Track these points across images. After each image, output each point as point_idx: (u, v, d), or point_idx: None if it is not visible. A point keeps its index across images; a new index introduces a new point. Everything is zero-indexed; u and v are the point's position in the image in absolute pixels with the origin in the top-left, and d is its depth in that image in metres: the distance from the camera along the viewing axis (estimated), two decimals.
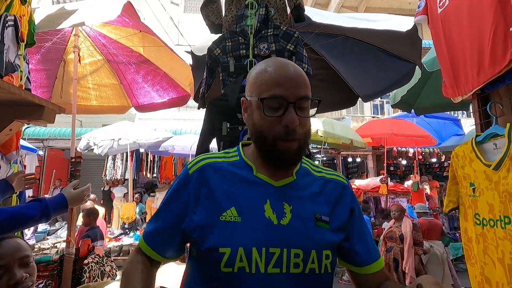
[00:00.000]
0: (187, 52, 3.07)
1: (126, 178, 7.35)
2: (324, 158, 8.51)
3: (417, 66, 2.94)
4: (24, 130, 7.48)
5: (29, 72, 1.66)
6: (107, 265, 2.63)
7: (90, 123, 8.56)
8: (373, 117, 9.47)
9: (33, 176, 1.20)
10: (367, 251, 0.70)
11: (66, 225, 5.95)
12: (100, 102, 3.63)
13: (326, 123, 5.96)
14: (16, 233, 1.19)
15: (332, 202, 0.69)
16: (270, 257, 0.60)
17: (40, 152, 7.67)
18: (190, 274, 0.68)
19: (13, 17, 1.33)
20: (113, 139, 5.76)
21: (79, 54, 2.77)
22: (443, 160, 8.73)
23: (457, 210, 1.48)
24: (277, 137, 0.63)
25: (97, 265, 2.55)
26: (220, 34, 1.69)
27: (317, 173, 0.73)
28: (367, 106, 9.99)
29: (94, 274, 2.51)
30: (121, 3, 1.96)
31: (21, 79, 1.46)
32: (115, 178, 7.56)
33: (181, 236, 0.67)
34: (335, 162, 8.75)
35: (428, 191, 7.41)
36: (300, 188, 0.68)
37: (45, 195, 6.89)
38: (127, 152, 6.51)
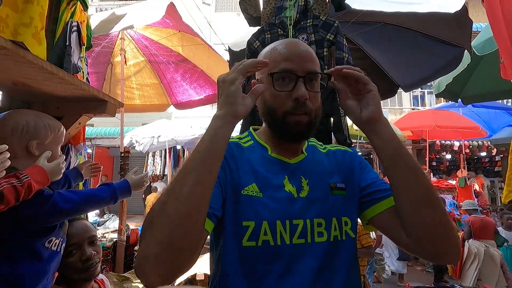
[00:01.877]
0: (220, 50, 3.16)
1: (165, 173, 7.74)
2: (360, 153, 8.24)
3: (465, 51, 2.74)
4: None
5: (88, 74, 1.83)
6: None
7: (131, 122, 9.11)
8: (412, 109, 8.95)
9: (98, 165, 1.34)
10: (379, 190, 0.68)
11: (113, 217, 6.41)
12: (142, 101, 3.87)
13: None
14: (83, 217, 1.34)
15: (343, 170, 0.72)
16: (294, 229, 0.62)
17: (89, 150, 8.34)
18: (215, 253, 0.66)
19: (76, 23, 1.48)
20: (153, 137, 6.10)
21: (125, 56, 2.97)
22: (494, 153, 8.01)
23: None
24: (287, 111, 0.64)
25: None
26: (259, 27, 1.73)
27: (323, 149, 0.77)
28: (406, 97, 9.46)
29: None
30: (164, 4, 2.08)
31: (83, 79, 1.62)
32: (155, 173, 7.99)
33: (219, 207, 0.62)
34: (371, 157, 8.43)
35: (477, 187, 6.86)
36: (312, 163, 0.71)
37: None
38: (165, 149, 6.85)
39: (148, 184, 1.23)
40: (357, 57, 3.36)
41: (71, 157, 1.38)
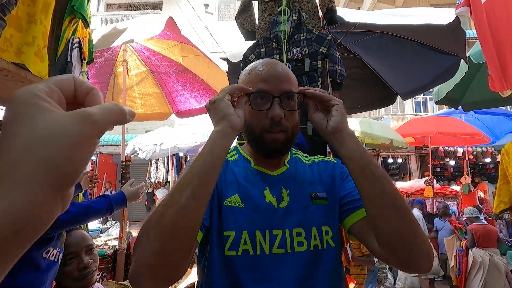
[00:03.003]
0: (222, 59, 3.23)
1: (167, 180, 7.78)
2: None
3: (461, 59, 2.76)
4: None
5: None
6: None
7: (134, 130, 9.23)
8: (415, 116, 8.93)
9: (97, 176, 1.38)
10: (357, 199, 0.68)
11: (116, 224, 6.45)
12: (145, 110, 3.94)
13: (364, 123, 5.77)
14: (82, 227, 1.38)
15: (325, 180, 0.74)
16: (274, 239, 0.64)
17: (93, 157, 8.44)
18: (201, 263, 0.68)
19: (78, 40, 1.54)
20: (156, 144, 6.17)
21: (127, 67, 3.05)
22: (498, 160, 7.95)
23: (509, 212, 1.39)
24: (264, 129, 0.67)
25: None
26: (254, 41, 1.78)
27: (307, 161, 0.80)
28: (408, 104, 9.45)
29: None
30: (164, 19, 2.14)
31: None
32: (158, 181, 8.04)
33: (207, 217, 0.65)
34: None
35: (481, 194, 6.78)
36: (294, 174, 0.74)
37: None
38: (168, 156, 6.91)
39: (144, 193, 1.27)
40: (355, 66, 3.40)
41: None
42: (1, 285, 0.68)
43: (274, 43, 1.66)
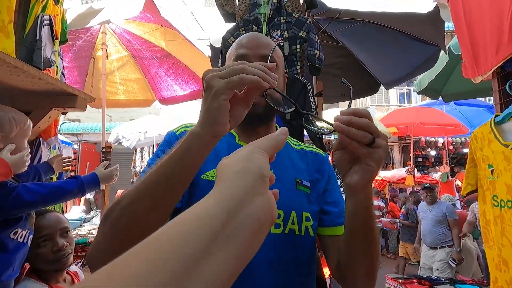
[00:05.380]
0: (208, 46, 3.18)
1: None
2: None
3: (441, 49, 2.82)
4: (61, 125, 8.06)
5: (63, 68, 1.82)
6: None
7: (119, 118, 9.02)
8: (399, 106, 9.12)
9: (70, 158, 1.35)
10: (337, 213, 0.70)
11: (99, 213, 6.37)
12: (127, 96, 3.84)
13: None
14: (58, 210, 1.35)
15: (312, 171, 0.72)
16: None
17: (75, 146, 8.23)
18: None
19: (48, 17, 1.47)
20: (140, 132, 6.06)
21: (106, 51, 2.95)
22: None
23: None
24: None
25: None
26: (234, 23, 1.75)
27: (296, 146, 0.77)
28: (393, 94, 9.62)
29: None
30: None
31: (56, 74, 1.62)
32: (142, 169, 7.93)
33: None
34: None
35: (459, 182, 7.06)
36: (280, 156, 0.70)
37: None
38: (153, 145, 6.81)
39: (117, 176, 1.25)
40: (340, 55, 3.42)
41: (42, 151, 1.38)
42: None
43: (254, 26, 1.64)
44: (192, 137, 0.47)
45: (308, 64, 1.64)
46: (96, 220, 6.50)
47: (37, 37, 1.35)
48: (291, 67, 1.58)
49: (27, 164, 1.00)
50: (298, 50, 1.61)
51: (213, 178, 0.63)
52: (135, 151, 7.89)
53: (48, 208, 1.24)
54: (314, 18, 2.96)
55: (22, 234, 1.02)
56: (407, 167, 6.79)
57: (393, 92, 9.54)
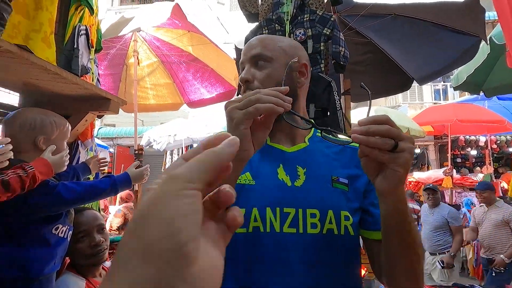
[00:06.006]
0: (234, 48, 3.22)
1: None
2: None
3: (482, 40, 2.61)
4: (98, 130, 8.59)
5: (99, 75, 1.93)
6: None
7: (150, 122, 9.43)
8: (434, 104, 8.59)
9: (105, 159, 1.43)
10: (378, 218, 0.66)
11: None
12: (157, 101, 4.00)
13: (379, 112, 5.62)
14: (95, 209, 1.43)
15: (350, 167, 0.68)
16: (285, 217, 0.61)
17: (111, 149, 8.73)
18: None
19: (84, 27, 1.57)
20: (170, 135, 6.29)
21: (138, 58, 3.09)
22: None
23: None
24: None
25: None
26: (257, 23, 1.75)
27: (333, 141, 0.75)
28: (427, 91, 9.08)
29: None
30: (170, 6, 2.15)
31: (92, 80, 1.72)
32: None
33: None
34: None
35: (505, 184, 6.48)
36: (313, 153, 0.69)
37: None
38: (182, 148, 7.02)
39: (148, 176, 1.30)
40: (368, 51, 3.30)
41: (80, 152, 1.48)
42: (14, 258, 0.72)
43: (276, 25, 1.63)
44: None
45: (332, 62, 1.59)
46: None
47: (75, 46, 1.45)
48: (315, 65, 1.55)
49: (66, 164, 1.07)
50: (322, 48, 1.58)
51: (245, 181, 0.65)
52: (165, 153, 8.20)
53: (85, 206, 1.33)
54: (340, 14, 2.89)
55: (63, 230, 1.09)
56: (445, 168, 6.37)
57: (427, 88, 9.01)
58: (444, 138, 7.27)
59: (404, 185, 0.52)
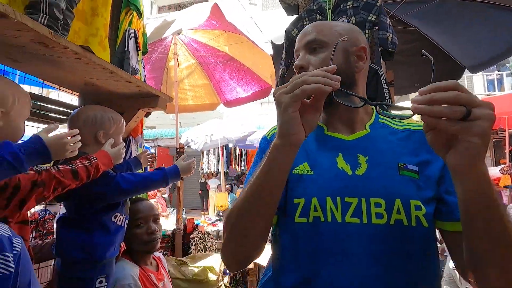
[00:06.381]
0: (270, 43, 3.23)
1: (218, 171, 8.13)
2: None
3: None
4: None
5: (145, 76, 2.05)
6: (208, 241, 3.01)
7: (188, 123, 9.81)
8: (487, 95, 7.83)
9: (153, 154, 1.51)
10: (455, 207, 0.56)
11: (174, 211, 6.97)
12: (195, 101, 4.14)
13: None
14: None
15: (420, 152, 0.62)
16: (347, 207, 0.58)
17: (152, 150, 9.23)
18: (273, 234, 0.69)
19: (133, 31, 1.67)
20: (206, 135, 6.48)
21: (177, 60, 3.23)
22: None
23: None
24: None
25: (200, 240, 2.96)
26: (296, 15, 1.73)
27: (399, 126, 0.68)
28: (479, 81, 8.30)
29: (198, 247, 2.91)
30: (209, 7, 2.21)
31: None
32: (210, 171, 8.45)
33: None
34: None
35: None
36: (375, 140, 0.65)
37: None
38: (218, 147, 7.19)
39: (194, 169, 1.35)
40: (412, 40, 3.11)
41: (132, 147, 1.58)
42: (82, 242, 0.78)
43: (318, 15, 1.59)
44: (274, 149, 0.53)
45: (379, 49, 1.52)
46: (172, 217, 7.16)
47: (126, 48, 1.54)
48: None
49: (123, 156, 1.15)
50: (367, 35, 1.51)
51: (303, 171, 0.64)
52: (202, 153, 8.47)
53: (141, 196, 1.43)
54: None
55: (120, 218, 1.17)
56: (502, 166, 5.77)
57: (479, 78, 8.24)
58: (500, 133, 6.59)
59: (483, 161, 0.43)
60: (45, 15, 1.00)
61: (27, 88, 1.01)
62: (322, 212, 0.59)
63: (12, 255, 0.45)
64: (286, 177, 0.55)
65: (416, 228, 0.57)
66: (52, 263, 1.34)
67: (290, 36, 1.66)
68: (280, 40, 2.52)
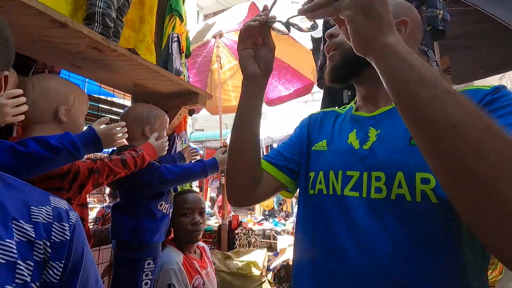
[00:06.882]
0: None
1: None
2: None
3: None
4: (190, 134, 9.71)
5: (189, 78, 2.17)
6: (252, 237, 3.07)
7: (232, 125, 10.14)
8: None
9: (195, 150, 1.60)
10: None
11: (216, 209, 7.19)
12: (238, 102, 4.25)
13: None
14: None
15: None
16: (347, 180, 0.59)
17: (201, 151, 9.72)
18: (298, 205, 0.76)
19: (176, 35, 1.79)
20: None
21: (220, 62, 3.36)
22: None
23: None
24: None
25: (244, 236, 3.03)
26: None
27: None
28: None
29: (243, 242, 2.98)
30: (246, 6, 2.27)
31: None
32: None
33: (295, 162, 0.72)
34: None
35: None
36: (395, 115, 0.57)
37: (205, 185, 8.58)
38: (263, 147, 7.27)
39: None
40: (472, 21, 2.78)
41: (176, 143, 1.69)
42: (131, 227, 0.88)
43: None
44: (241, 85, 0.68)
45: (428, 28, 1.39)
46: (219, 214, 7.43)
47: (170, 52, 1.66)
48: None
49: (166, 149, 1.24)
50: None
51: (320, 148, 0.68)
52: None
53: (190, 189, 1.53)
54: None
55: (165, 206, 1.26)
56: None
57: None
58: None
59: (384, 36, 0.40)
60: (99, 24, 1.13)
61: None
62: (325, 185, 0.62)
63: (68, 225, 0.52)
64: (255, 108, 0.66)
65: (422, 204, 0.50)
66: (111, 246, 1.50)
67: (328, 26, 1.61)
68: (319, 33, 2.46)
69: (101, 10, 1.13)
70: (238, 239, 2.98)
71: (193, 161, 1.71)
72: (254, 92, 0.66)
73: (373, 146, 0.59)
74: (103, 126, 0.91)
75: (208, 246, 3.24)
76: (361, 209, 0.56)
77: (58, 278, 0.47)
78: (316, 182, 0.64)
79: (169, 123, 1.45)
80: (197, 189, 5.61)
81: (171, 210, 1.32)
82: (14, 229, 0.44)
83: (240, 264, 2.43)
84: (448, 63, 2.52)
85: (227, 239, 3.07)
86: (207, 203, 7.51)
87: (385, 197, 0.54)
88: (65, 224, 0.50)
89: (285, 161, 0.72)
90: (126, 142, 1.13)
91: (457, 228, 0.49)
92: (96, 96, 1.49)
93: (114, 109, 1.56)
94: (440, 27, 1.35)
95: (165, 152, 1.24)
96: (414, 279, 0.49)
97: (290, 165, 0.71)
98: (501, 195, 0.33)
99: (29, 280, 0.43)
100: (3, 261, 0.41)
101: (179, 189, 1.55)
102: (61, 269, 0.47)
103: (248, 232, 3.12)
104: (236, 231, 3.05)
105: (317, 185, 0.63)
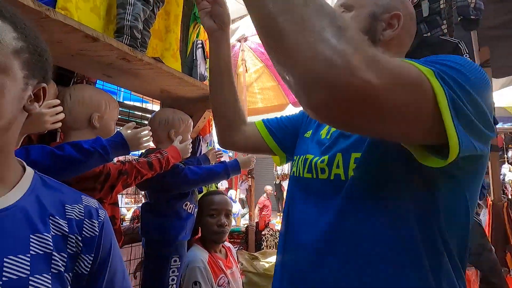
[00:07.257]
0: None
1: None
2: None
3: None
4: None
5: None
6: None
7: None
8: None
9: (220, 151, 1.65)
10: None
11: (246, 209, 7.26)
12: (264, 104, 4.28)
13: None
14: None
15: None
16: (305, 163, 0.66)
17: (230, 154, 9.87)
18: None
19: (201, 41, 1.86)
20: None
21: (245, 66, 3.41)
22: None
23: None
24: None
25: (271, 237, 3.03)
26: None
27: None
28: None
29: (270, 244, 2.99)
30: None
31: None
32: (283, 173, 8.55)
33: (290, 138, 0.80)
34: None
35: None
36: None
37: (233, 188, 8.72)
38: None
39: (254, 162, 1.42)
40: (509, 11, 2.53)
41: (201, 145, 1.75)
42: (157, 225, 0.94)
43: None
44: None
45: (459, 19, 1.30)
46: (247, 215, 7.51)
47: (194, 58, 1.73)
48: (434, 28, 1.31)
49: (190, 151, 1.29)
50: (442, 5, 1.32)
51: (307, 135, 0.75)
52: None
53: (219, 190, 1.57)
54: None
55: (190, 206, 1.31)
56: None
57: None
58: None
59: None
60: (127, 36, 1.22)
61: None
62: (296, 168, 0.70)
63: (97, 222, 0.57)
64: (218, 59, 0.79)
65: (345, 181, 0.56)
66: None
67: None
68: None
69: (129, 23, 1.21)
70: (265, 240, 2.99)
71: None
72: (215, 45, 0.77)
73: (332, 134, 0.66)
74: (129, 130, 0.97)
75: (235, 247, 3.30)
76: (313, 190, 0.63)
77: (88, 270, 0.52)
78: (293, 165, 0.73)
79: (193, 127, 1.51)
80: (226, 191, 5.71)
81: (196, 210, 1.37)
82: (51, 224, 0.49)
83: (266, 265, 2.44)
84: (488, 54, 2.33)
85: (254, 240, 3.09)
86: (238, 204, 7.61)
87: (327, 177, 0.60)
88: (94, 221, 0.56)
89: (271, 123, 0.83)
90: (153, 145, 1.20)
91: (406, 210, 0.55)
92: (130, 103, 1.60)
93: (144, 114, 1.66)
94: (472, 17, 1.26)
95: (189, 154, 1.29)
96: (353, 245, 0.55)
97: (271, 126, 0.83)
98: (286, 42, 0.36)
99: (63, 270, 0.48)
100: (41, 252, 0.46)
101: (204, 190, 1.60)
102: (91, 262, 0.52)
103: (275, 233, 3.12)
104: (263, 232, 3.07)
105: (293, 168, 0.72)
